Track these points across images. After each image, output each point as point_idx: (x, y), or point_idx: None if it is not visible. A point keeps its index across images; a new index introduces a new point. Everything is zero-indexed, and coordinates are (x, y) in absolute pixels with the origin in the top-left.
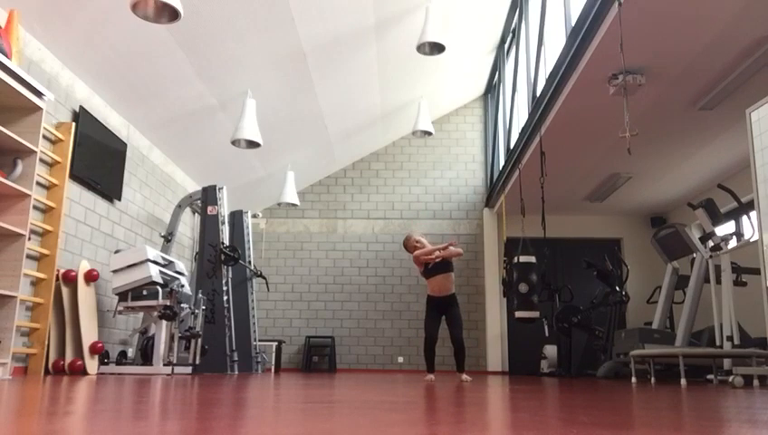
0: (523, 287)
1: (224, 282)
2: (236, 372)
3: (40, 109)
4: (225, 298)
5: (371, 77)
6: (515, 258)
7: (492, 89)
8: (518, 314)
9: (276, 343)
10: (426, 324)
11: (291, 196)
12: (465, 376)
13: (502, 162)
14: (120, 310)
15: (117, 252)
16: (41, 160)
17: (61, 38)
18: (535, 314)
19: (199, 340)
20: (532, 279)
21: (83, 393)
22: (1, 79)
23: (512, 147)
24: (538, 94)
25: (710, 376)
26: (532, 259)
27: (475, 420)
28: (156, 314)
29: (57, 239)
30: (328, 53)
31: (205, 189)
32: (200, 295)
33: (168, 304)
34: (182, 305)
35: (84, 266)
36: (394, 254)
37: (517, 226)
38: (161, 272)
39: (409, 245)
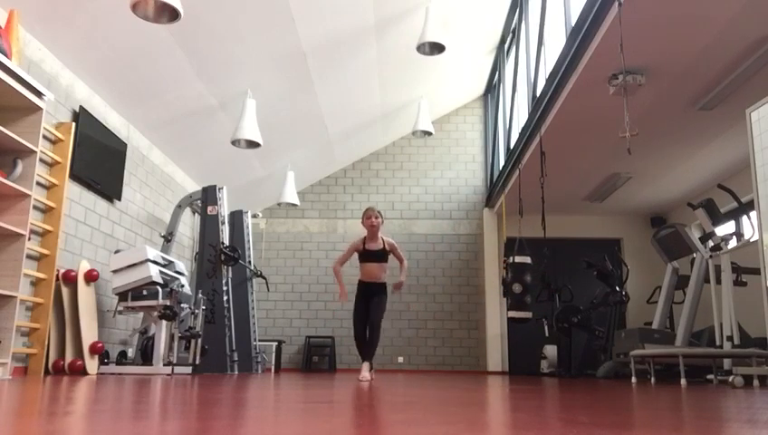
0: (516, 287)
1: (224, 282)
2: (236, 372)
3: (40, 109)
4: (225, 298)
5: (371, 77)
6: (511, 258)
7: (492, 89)
8: (510, 314)
9: (276, 343)
10: (356, 310)
11: (291, 196)
12: (365, 373)
13: (502, 162)
14: (120, 310)
15: (117, 252)
16: (41, 160)
17: (61, 38)
18: (528, 314)
19: (199, 340)
20: (526, 280)
21: (83, 393)
22: (1, 79)
23: (512, 147)
24: (538, 94)
25: (710, 376)
26: (528, 259)
27: (475, 420)
28: (156, 314)
29: (57, 239)
30: (328, 53)
31: (205, 189)
32: (200, 295)
33: (168, 304)
34: (182, 305)
35: (84, 266)
36: None
37: (517, 226)
38: (161, 272)
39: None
